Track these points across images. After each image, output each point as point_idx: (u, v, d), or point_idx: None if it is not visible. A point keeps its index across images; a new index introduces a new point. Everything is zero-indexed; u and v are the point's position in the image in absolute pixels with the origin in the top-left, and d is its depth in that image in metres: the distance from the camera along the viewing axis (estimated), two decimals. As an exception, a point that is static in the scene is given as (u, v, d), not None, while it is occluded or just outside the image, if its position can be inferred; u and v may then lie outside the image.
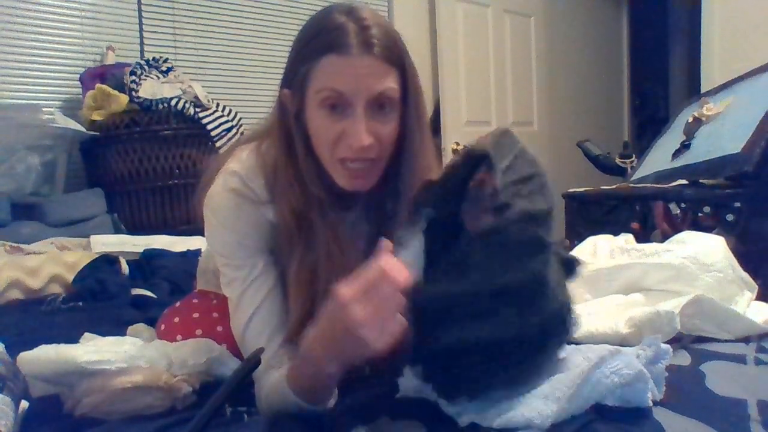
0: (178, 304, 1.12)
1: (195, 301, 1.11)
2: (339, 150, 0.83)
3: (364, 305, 0.66)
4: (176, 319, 1.06)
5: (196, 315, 1.06)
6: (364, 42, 0.80)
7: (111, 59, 2.48)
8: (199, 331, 1.02)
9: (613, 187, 2.35)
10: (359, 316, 0.66)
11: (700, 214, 1.90)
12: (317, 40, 0.82)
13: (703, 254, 1.14)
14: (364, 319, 0.66)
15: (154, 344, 0.97)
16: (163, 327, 1.07)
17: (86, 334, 1.05)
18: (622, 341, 0.96)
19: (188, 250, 1.97)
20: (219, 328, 1.01)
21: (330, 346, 0.71)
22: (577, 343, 0.94)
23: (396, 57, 0.84)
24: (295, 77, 0.85)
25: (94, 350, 0.88)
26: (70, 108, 2.42)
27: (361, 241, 0.96)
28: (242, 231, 0.87)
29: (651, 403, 0.75)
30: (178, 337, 1.02)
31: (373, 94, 0.81)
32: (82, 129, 2.25)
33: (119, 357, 0.86)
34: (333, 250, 0.86)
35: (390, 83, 0.83)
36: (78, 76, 2.42)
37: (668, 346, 0.81)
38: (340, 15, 0.83)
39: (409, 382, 0.82)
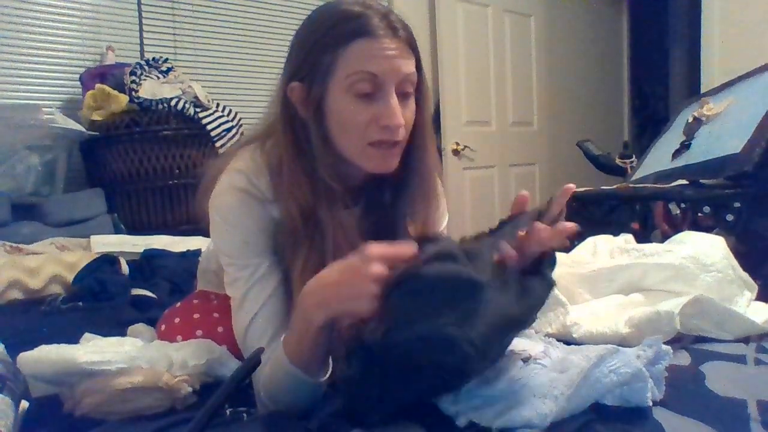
0: (178, 304, 1.12)
1: (195, 301, 1.10)
2: (370, 133, 0.84)
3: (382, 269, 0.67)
4: (177, 320, 1.06)
5: (196, 316, 1.05)
6: (389, 26, 0.84)
7: (111, 59, 2.48)
8: (199, 332, 1.02)
9: (613, 187, 2.34)
10: (374, 271, 0.67)
11: (700, 214, 1.89)
12: (341, 28, 0.83)
13: (703, 254, 1.14)
14: (375, 275, 0.67)
15: (155, 345, 0.96)
16: (163, 327, 1.07)
17: (86, 335, 1.04)
18: (621, 341, 0.96)
19: (188, 250, 1.97)
20: (219, 329, 1.01)
21: (323, 291, 0.72)
22: (577, 343, 0.95)
23: (414, 44, 0.87)
24: (314, 68, 0.85)
25: (94, 351, 0.88)
26: (70, 108, 2.42)
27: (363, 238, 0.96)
28: (248, 229, 0.87)
29: (650, 403, 0.75)
30: (179, 337, 1.02)
31: (402, 77, 0.84)
32: (82, 129, 2.25)
33: (120, 357, 0.86)
34: (341, 246, 0.86)
35: (412, 68, 0.86)
36: (78, 76, 2.42)
37: (669, 347, 0.81)
38: (354, 6, 0.85)
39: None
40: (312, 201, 0.86)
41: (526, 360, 0.83)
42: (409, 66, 0.85)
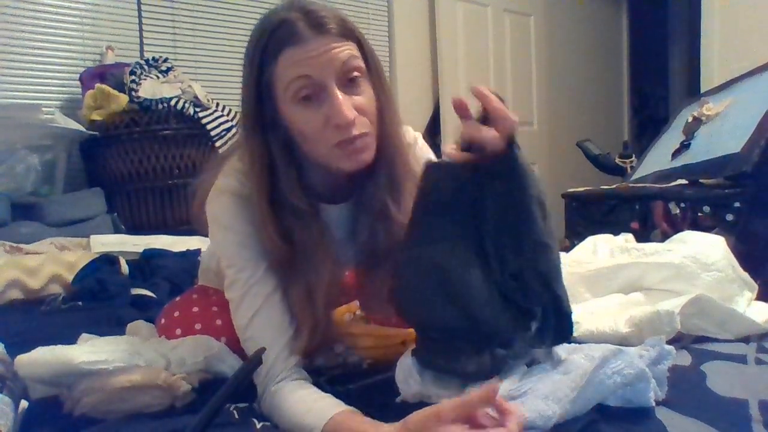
0: (177, 298, 1.13)
1: (194, 296, 1.11)
2: (330, 135, 0.82)
3: None
4: (176, 313, 1.06)
5: (195, 309, 1.06)
6: (313, 25, 0.80)
7: (110, 59, 2.48)
8: (198, 325, 1.02)
9: (613, 186, 2.35)
10: None
11: (699, 214, 1.89)
12: (269, 44, 0.81)
13: (703, 254, 1.14)
14: None
15: (152, 343, 0.96)
16: (163, 321, 1.07)
17: (83, 335, 1.04)
18: (622, 341, 0.96)
19: (188, 250, 1.97)
20: (218, 322, 1.01)
21: None
22: (578, 342, 0.95)
23: (349, 31, 0.84)
24: (260, 88, 0.83)
25: (91, 350, 0.88)
26: (70, 108, 2.42)
27: (350, 234, 0.96)
28: (244, 231, 0.87)
29: (653, 403, 0.75)
30: (178, 330, 1.02)
31: (338, 66, 0.81)
32: (82, 129, 2.24)
33: (117, 357, 0.86)
34: (321, 263, 0.87)
35: (348, 53, 0.82)
36: (78, 75, 2.42)
37: (671, 347, 0.81)
38: (282, 12, 0.82)
39: (408, 388, 0.82)
40: (288, 226, 0.86)
41: (529, 364, 0.83)
42: (343, 53, 0.82)
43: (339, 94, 0.81)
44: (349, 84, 0.83)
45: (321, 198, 0.92)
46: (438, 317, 0.80)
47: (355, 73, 0.83)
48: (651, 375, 0.75)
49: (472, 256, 0.78)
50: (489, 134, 0.75)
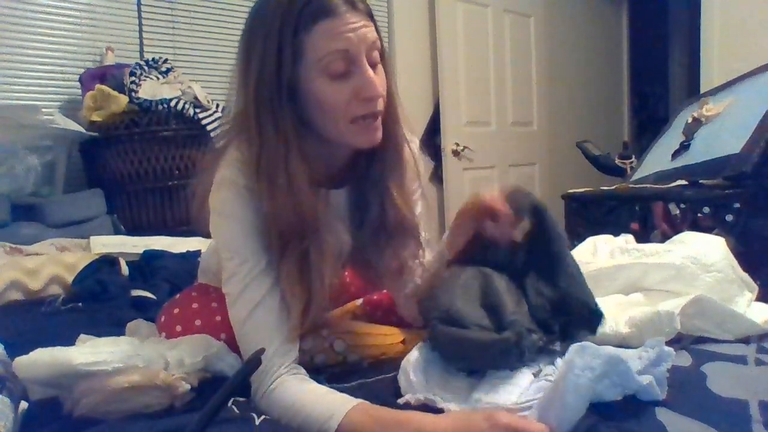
0: (177, 296, 1.13)
1: (194, 293, 1.11)
2: (353, 109, 0.85)
3: None
4: (176, 310, 1.06)
5: (195, 305, 1.06)
6: (346, 1, 0.83)
7: (110, 60, 2.48)
8: (198, 321, 1.02)
9: (613, 187, 2.34)
10: None
11: (699, 215, 1.89)
12: (300, 15, 0.81)
13: (703, 254, 1.14)
14: None
15: (151, 343, 0.96)
16: (163, 319, 1.07)
17: (82, 336, 1.04)
18: (621, 341, 0.96)
19: (188, 251, 1.97)
20: (218, 318, 1.01)
21: None
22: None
23: (370, 12, 0.87)
24: (278, 60, 0.82)
25: (90, 351, 0.87)
26: (70, 108, 2.42)
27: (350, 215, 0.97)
28: (247, 221, 0.87)
29: (644, 382, 0.76)
30: (178, 327, 1.02)
31: (369, 44, 0.84)
32: (82, 129, 2.24)
33: (116, 357, 0.86)
34: (325, 237, 0.88)
35: (376, 35, 0.86)
36: (78, 76, 2.42)
37: (671, 348, 0.80)
38: None
39: (412, 391, 0.82)
40: (304, 204, 0.85)
41: (536, 374, 0.83)
42: (371, 32, 0.85)
43: (370, 70, 0.84)
44: (372, 66, 0.85)
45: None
46: (461, 309, 0.88)
47: (377, 54, 0.86)
48: (624, 356, 0.75)
49: (512, 285, 0.93)
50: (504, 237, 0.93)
